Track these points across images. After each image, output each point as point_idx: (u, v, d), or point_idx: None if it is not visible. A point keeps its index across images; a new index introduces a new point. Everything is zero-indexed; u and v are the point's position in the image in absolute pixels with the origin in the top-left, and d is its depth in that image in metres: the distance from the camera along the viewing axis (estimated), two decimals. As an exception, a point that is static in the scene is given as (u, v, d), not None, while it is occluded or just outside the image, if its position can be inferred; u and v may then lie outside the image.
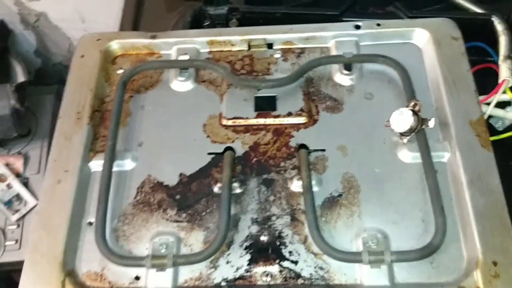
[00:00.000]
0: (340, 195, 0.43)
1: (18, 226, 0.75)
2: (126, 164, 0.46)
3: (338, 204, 0.43)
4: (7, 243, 0.72)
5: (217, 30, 0.54)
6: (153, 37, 0.53)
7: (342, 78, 0.50)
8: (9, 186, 0.75)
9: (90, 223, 0.43)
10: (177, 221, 0.43)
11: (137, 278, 0.40)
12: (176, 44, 0.53)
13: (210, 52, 0.53)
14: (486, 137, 0.44)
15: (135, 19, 0.69)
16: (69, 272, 0.40)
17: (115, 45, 0.53)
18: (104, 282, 0.40)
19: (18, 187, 0.76)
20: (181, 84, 0.51)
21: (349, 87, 0.50)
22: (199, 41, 0.53)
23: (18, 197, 0.76)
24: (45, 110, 0.91)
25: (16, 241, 0.73)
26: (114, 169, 0.45)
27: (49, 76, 1.10)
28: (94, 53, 0.52)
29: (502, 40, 0.53)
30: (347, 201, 0.43)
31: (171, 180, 0.45)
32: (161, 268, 0.40)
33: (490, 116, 0.53)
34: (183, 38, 0.53)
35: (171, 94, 0.51)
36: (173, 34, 0.53)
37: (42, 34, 1.01)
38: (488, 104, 0.52)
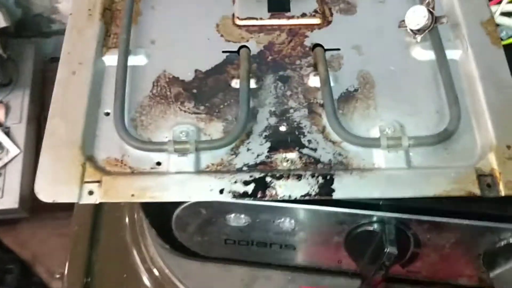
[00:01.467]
0: (356, 90, 0.44)
1: (0, 175, 0.74)
2: (139, 59, 0.45)
3: (354, 98, 0.44)
4: (-11, 191, 0.71)
5: None
6: None
7: (356, -19, 0.50)
8: (-10, 135, 0.74)
9: (107, 114, 0.43)
10: (195, 113, 0.43)
11: (158, 163, 0.40)
12: None
13: (220, -43, 0.52)
14: (496, 35, 0.45)
15: None
16: (89, 157, 0.40)
17: None
18: (125, 167, 0.40)
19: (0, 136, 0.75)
20: (192, -15, 0.50)
21: (362, -10, 0.50)
22: None
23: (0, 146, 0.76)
24: (26, 61, 0.89)
25: (-2, 189, 0.72)
26: (128, 63, 0.44)
27: (29, 29, 1.07)
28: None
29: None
30: (363, 95, 0.44)
31: (187, 75, 0.45)
32: (183, 153, 0.40)
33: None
34: None
35: (182, -6, 0.50)
36: None
37: (23, -17, 0.98)
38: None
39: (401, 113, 0.43)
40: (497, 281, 0.40)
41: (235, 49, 0.46)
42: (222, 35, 0.47)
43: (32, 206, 0.76)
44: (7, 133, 0.78)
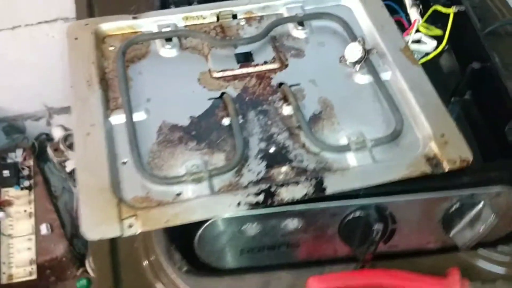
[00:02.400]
0: (320, 113, 0.56)
1: None
2: (140, 115, 0.54)
3: (320, 118, 0.55)
4: None
5: (190, 7, 0.64)
6: (135, 18, 0.62)
7: (298, 33, 0.63)
8: None
9: (124, 163, 0.50)
10: (198, 150, 0.52)
11: (178, 194, 0.48)
12: (156, 22, 0.62)
13: (186, 26, 0.63)
14: (413, 57, 0.60)
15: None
16: (120, 199, 0.47)
17: (104, 26, 0.60)
18: (151, 202, 0.47)
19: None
20: (168, 51, 0.60)
21: (305, 39, 0.63)
22: (175, 18, 0.62)
23: None
24: None
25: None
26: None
27: None
28: (86, 35, 0.59)
29: (405, -4, 0.71)
30: (326, 116, 0.55)
31: (184, 122, 0.54)
32: (198, 181, 0.48)
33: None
34: (161, 16, 0.62)
35: (162, 60, 0.60)
36: (151, 14, 0.63)
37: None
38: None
39: (358, 123, 0.54)
40: (456, 237, 0.52)
41: (218, 95, 0.56)
42: (204, 87, 0.57)
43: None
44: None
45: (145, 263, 0.57)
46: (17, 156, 1.65)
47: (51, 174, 1.48)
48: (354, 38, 0.61)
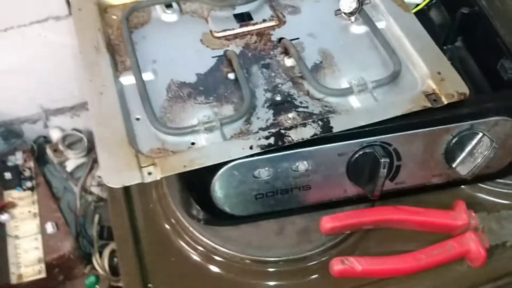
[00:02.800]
0: (321, 62, 0.58)
1: None
2: (148, 75, 0.56)
3: (322, 67, 0.57)
4: None
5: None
6: (134, -12, 0.64)
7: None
8: None
9: (138, 119, 0.52)
10: (207, 103, 0.54)
11: (192, 143, 0.50)
12: (155, -9, 0.64)
13: (183, -6, 0.65)
14: (405, 5, 0.62)
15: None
16: (137, 150, 0.49)
17: (106, -3, 0.63)
18: (167, 152, 0.49)
19: None
20: (169, 16, 0.62)
21: (303, -5, 0.65)
22: (172, -13, 0.65)
23: None
24: None
25: None
26: (142, 79, 0.55)
27: None
28: (89, 5, 0.61)
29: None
30: (327, 64, 0.58)
31: (191, 79, 0.56)
32: (210, 130, 0.50)
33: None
34: (159, -15, 0.64)
35: (164, 25, 0.62)
36: (149, -15, 0.65)
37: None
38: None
39: (358, 69, 0.57)
40: (458, 169, 0.55)
41: (221, 53, 0.58)
42: (207, 46, 0.59)
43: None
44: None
45: (163, 221, 0.59)
46: (17, 158, 1.66)
47: (52, 176, 1.49)
48: (348, -9, 0.63)
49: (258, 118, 0.52)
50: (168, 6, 0.62)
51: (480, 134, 0.54)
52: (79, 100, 1.71)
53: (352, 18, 0.61)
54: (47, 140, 1.77)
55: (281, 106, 0.54)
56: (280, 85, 0.56)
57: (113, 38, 0.60)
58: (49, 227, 1.23)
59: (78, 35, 0.58)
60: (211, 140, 0.50)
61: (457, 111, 0.53)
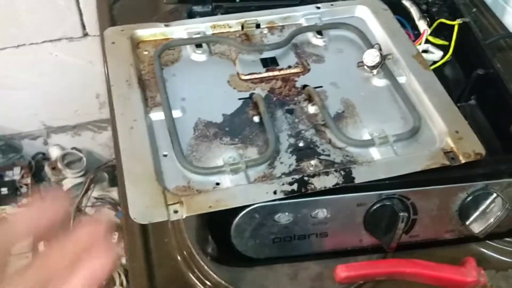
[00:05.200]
0: (343, 112, 0.60)
1: None
2: (177, 113, 0.57)
3: (344, 117, 0.59)
4: None
5: (217, 17, 0.69)
6: (167, 25, 0.66)
7: (318, 41, 0.68)
8: None
9: (165, 155, 0.53)
10: (233, 144, 0.55)
11: (217, 184, 0.51)
12: (186, 29, 0.66)
13: (213, 34, 0.68)
14: (425, 63, 0.65)
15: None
16: (164, 188, 0.50)
17: (139, 32, 0.65)
18: (193, 191, 0.51)
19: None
20: (199, 56, 0.64)
21: (324, 46, 0.68)
22: (204, 26, 0.67)
23: None
24: None
25: None
26: (171, 116, 0.56)
27: None
28: (123, 40, 0.63)
29: (413, 11, 0.77)
30: (349, 114, 0.60)
31: (217, 119, 0.58)
32: (236, 171, 0.52)
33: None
34: (191, 24, 0.67)
35: (193, 64, 0.64)
36: (181, 22, 0.67)
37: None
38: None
39: (379, 121, 0.59)
40: (471, 226, 0.56)
41: (248, 95, 0.60)
42: (234, 88, 0.61)
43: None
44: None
45: (178, 256, 0.60)
46: (15, 174, 1.66)
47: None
48: (369, 45, 0.65)
49: (281, 163, 0.54)
50: (198, 46, 0.65)
51: (494, 195, 0.55)
52: (82, 119, 1.72)
53: (374, 71, 0.64)
54: (45, 157, 1.76)
55: (303, 152, 0.55)
56: (303, 132, 0.57)
57: (144, 74, 0.62)
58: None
59: (111, 68, 0.60)
60: (236, 182, 0.51)
61: (473, 171, 0.55)
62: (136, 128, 0.54)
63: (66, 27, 1.41)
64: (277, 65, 0.64)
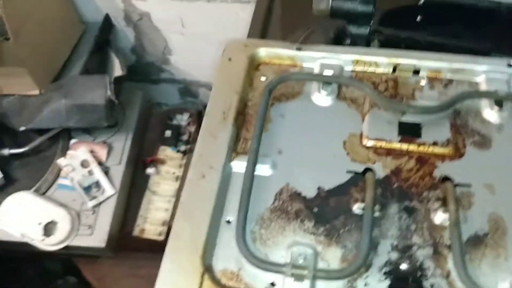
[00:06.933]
0: (486, 235, 0.42)
1: (93, 212, 0.77)
2: (265, 169, 0.46)
3: (483, 243, 0.41)
4: (81, 227, 0.74)
5: (364, 50, 0.54)
6: (299, 49, 0.54)
7: (492, 115, 0.48)
8: (90, 173, 0.79)
9: (228, 222, 0.44)
10: (314, 234, 0.43)
11: (272, 284, 0.40)
12: (321, 59, 0.53)
13: (353, 71, 0.53)
14: None
15: (262, 30, 0.70)
16: (207, 267, 0.41)
17: (262, 53, 0.54)
18: (240, 283, 0.40)
19: (99, 175, 0.79)
20: (322, 98, 0.51)
21: (498, 125, 0.48)
22: (344, 59, 0.53)
23: (97, 184, 0.79)
24: (133, 105, 0.95)
25: (89, 226, 0.75)
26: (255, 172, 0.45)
27: (139, 73, 1.15)
28: (241, 58, 0.53)
29: None
30: (493, 242, 0.41)
31: (309, 192, 0.45)
32: (299, 278, 0.39)
33: None
34: (329, 53, 0.53)
35: (311, 107, 0.51)
36: (318, 48, 0.54)
37: (142, 33, 1.06)
38: None
39: (537, 271, 0.39)
40: None
41: (360, 170, 0.46)
42: (348, 153, 0.47)
43: (116, 246, 0.79)
44: (106, 173, 0.80)
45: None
46: (183, 119, 1.75)
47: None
48: None
49: (366, 285, 0.40)
50: (327, 83, 0.51)
51: None
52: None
53: (562, 187, 0.43)
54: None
55: (403, 280, 0.40)
56: (415, 248, 0.41)
57: (251, 105, 0.51)
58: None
59: (213, 92, 0.51)
60: (296, 291, 0.39)
61: None
62: (209, 177, 0.45)
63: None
64: (419, 136, 0.48)
